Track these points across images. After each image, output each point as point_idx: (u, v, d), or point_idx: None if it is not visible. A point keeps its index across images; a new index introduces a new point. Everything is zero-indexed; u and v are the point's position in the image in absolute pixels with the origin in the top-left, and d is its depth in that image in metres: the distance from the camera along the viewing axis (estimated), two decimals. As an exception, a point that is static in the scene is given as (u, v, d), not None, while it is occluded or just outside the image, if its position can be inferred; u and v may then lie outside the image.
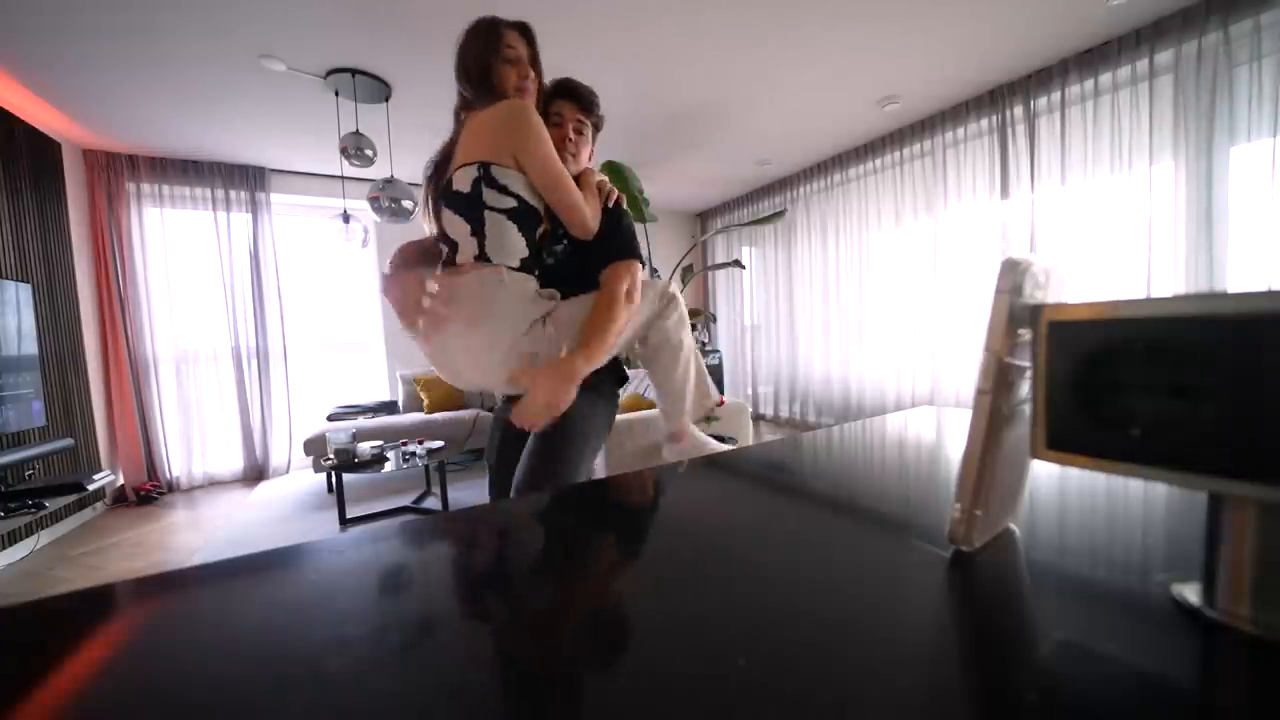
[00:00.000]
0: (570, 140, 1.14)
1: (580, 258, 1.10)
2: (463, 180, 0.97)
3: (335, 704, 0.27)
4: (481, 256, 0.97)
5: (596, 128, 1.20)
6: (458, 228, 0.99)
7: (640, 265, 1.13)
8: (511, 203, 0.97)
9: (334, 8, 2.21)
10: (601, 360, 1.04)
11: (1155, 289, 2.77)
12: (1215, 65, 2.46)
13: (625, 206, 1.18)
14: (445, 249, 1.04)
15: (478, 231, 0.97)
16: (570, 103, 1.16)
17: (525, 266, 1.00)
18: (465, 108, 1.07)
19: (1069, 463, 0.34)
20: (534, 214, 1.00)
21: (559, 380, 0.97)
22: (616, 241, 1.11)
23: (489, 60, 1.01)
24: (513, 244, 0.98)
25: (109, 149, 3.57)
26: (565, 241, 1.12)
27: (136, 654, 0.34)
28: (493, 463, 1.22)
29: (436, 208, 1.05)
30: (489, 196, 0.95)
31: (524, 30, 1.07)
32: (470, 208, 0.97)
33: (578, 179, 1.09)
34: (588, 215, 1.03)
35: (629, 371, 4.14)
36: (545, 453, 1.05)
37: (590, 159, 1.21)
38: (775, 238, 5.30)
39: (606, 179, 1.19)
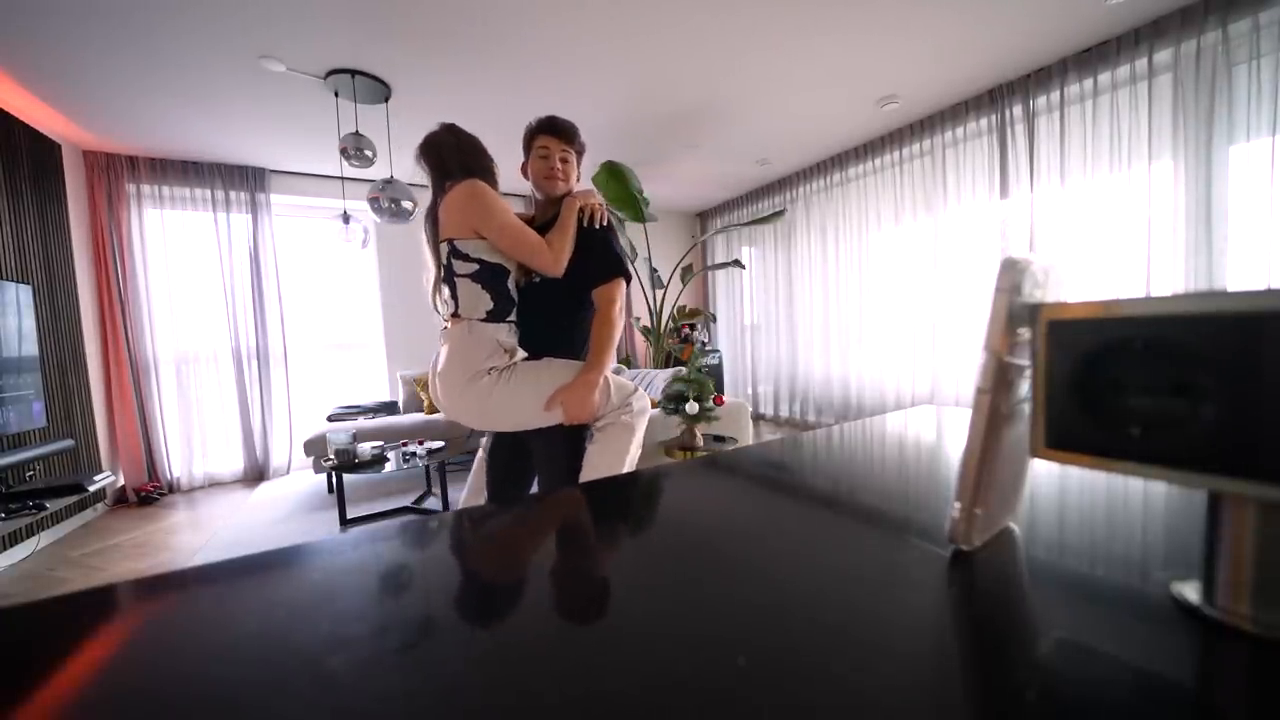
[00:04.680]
0: (557, 169, 1.32)
1: (567, 274, 1.29)
2: (442, 256, 1.26)
3: (335, 704, 0.27)
4: (457, 313, 1.26)
5: (579, 154, 1.37)
6: (447, 294, 1.29)
7: (625, 281, 1.33)
8: (474, 266, 1.23)
9: (334, 8, 2.21)
10: (608, 366, 1.27)
11: (1154, 288, 2.77)
12: (1214, 64, 2.46)
13: (610, 224, 1.34)
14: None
15: (454, 295, 1.27)
16: (553, 137, 1.32)
17: (493, 316, 1.24)
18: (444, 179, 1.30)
19: (1068, 462, 0.34)
20: (497, 269, 1.24)
21: (584, 390, 1.23)
22: (605, 261, 1.31)
23: (483, 160, 1.27)
24: (478, 300, 1.24)
25: (109, 150, 3.57)
26: None
27: (137, 654, 0.35)
28: (486, 449, 1.46)
29: (435, 248, 1.31)
30: (457, 266, 1.23)
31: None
32: (448, 278, 1.26)
33: (560, 201, 1.33)
34: (548, 262, 1.24)
35: (628, 370, 4.11)
36: (553, 475, 1.33)
37: (577, 180, 1.38)
38: (775, 238, 5.30)
39: (595, 199, 1.36)
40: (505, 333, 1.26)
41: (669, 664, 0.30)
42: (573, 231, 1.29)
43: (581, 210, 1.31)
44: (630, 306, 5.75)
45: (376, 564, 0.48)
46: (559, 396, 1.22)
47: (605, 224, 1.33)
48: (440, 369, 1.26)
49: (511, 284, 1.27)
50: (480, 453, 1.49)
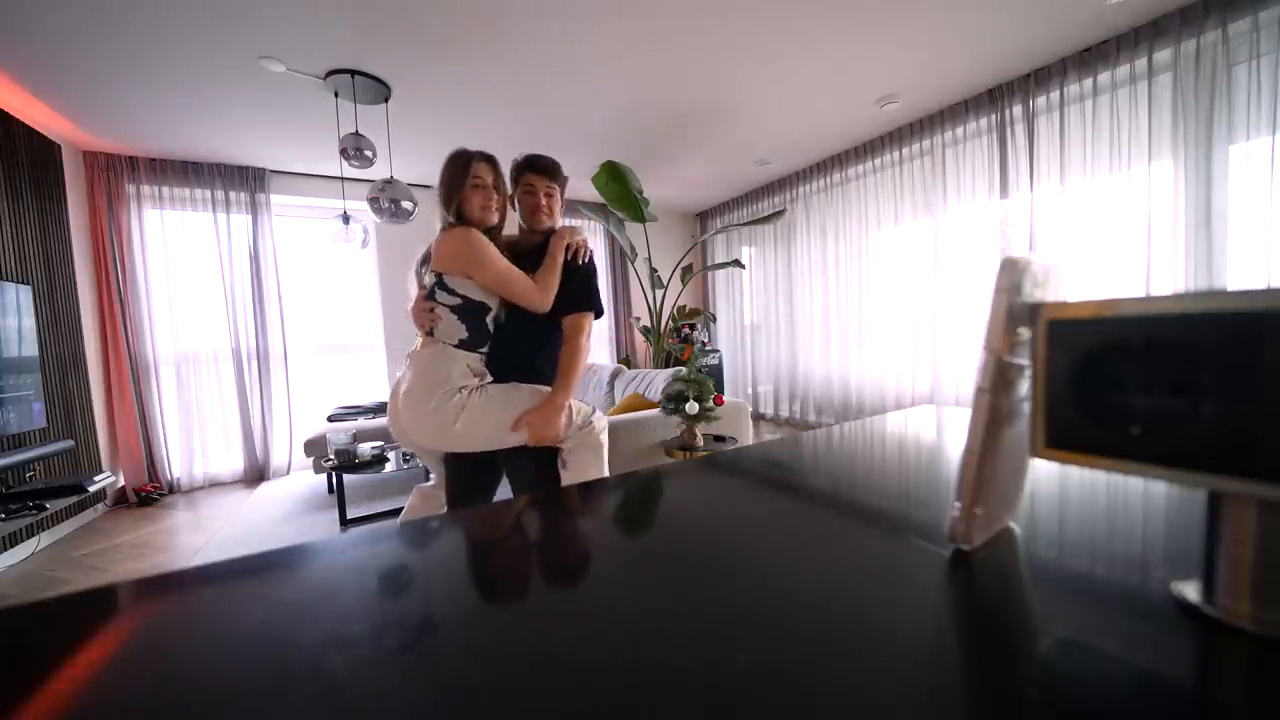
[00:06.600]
0: (542, 204, 1.41)
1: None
2: (427, 283, 1.35)
3: (336, 703, 0.27)
4: (430, 335, 1.35)
5: (562, 187, 1.45)
6: None
7: (593, 315, 1.43)
8: (457, 301, 1.32)
9: (334, 8, 2.21)
10: (574, 391, 1.36)
11: (1154, 287, 2.77)
12: (1214, 64, 2.46)
13: (592, 262, 1.44)
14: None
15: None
16: (538, 175, 1.41)
17: (465, 345, 1.33)
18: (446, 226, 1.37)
19: (1068, 461, 0.34)
20: (478, 306, 1.33)
21: (551, 413, 1.30)
22: (582, 293, 1.41)
23: (458, 192, 1.31)
24: (453, 329, 1.32)
25: (109, 151, 3.57)
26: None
27: (138, 653, 0.35)
28: (442, 479, 1.50)
29: (422, 272, 1.40)
30: (440, 296, 1.32)
31: (490, 161, 1.35)
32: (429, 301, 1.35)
33: (550, 235, 1.42)
34: (537, 301, 1.34)
35: (627, 370, 4.09)
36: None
37: (561, 211, 1.48)
38: (775, 238, 5.30)
39: (581, 236, 1.45)
40: (475, 360, 1.35)
41: (670, 662, 0.30)
42: (560, 267, 1.38)
43: (568, 247, 1.40)
44: (630, 307, 5.76)
45: (376, 564, 0.48)
46: (526, 418, 1.29)
47: (588, 260, 1.43)
48: (407, 389, 1.31)
49: (490, 319, 1.36)
50: (413, 497, 1.55)
